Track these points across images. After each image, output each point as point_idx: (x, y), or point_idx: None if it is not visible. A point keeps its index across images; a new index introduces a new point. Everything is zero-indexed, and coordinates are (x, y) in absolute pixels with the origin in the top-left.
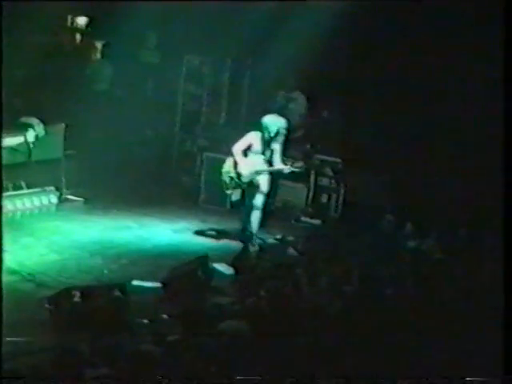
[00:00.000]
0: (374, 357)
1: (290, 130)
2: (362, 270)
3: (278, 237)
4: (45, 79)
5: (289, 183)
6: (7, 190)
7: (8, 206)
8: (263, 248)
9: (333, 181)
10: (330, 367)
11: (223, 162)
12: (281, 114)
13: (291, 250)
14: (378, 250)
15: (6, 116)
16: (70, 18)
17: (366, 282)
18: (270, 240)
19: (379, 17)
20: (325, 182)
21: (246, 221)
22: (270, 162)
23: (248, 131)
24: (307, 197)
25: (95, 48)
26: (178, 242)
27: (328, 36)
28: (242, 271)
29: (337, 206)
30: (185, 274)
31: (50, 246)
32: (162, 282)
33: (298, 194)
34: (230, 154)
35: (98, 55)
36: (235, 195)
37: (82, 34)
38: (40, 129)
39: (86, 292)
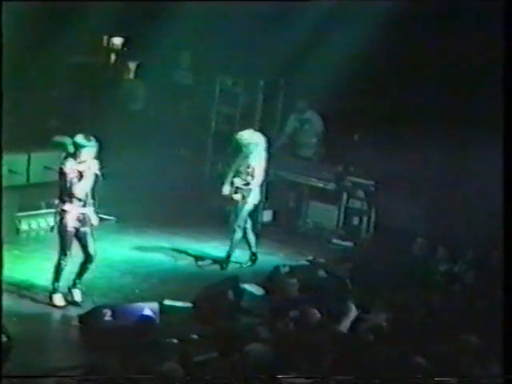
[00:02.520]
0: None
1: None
2: (393, 294)
3: (310, 258)
4: (79, 99)
5: (320, 204)
6: (41, 208)
7: (41, 223)
8: (293, 269)
9: (364, 203)
10: None
11: None
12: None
13: (322, 272)
14: (410, 273)
15: (41, 135)
16: (105, 37)
17: (396, 306)
18: (302, 261)
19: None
20: (356, 204)
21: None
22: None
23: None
24: (338, 218)
25: (129, 68)
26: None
27: (362, 58)
28: (272, 292)
29: (368, 229)
30: (215, 295)
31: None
32: (193, 302)
33: (329, 215)
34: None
35: (132, 75)
36: (266, 215)
37: (117, 54)
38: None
39: (117, 311)
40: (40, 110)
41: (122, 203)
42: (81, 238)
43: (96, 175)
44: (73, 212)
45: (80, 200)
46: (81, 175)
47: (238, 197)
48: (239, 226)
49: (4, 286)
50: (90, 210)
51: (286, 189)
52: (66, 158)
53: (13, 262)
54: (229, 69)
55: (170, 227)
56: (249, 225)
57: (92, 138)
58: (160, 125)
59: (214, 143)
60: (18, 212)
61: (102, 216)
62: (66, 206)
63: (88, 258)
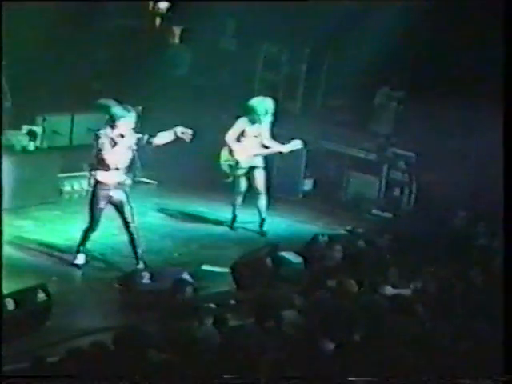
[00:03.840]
0: (424, 355)
1: (276, 110)
2: (430, 266)
3: (349, 228)
4: (124, 62)
5: (361, 175)
6: (83, 170)
7: (83, 185)
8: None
9: (406, 175)
10: (390, 367)
11: (298, 151)
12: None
13: (361, 243)
14: (449, 246)
15: (86, 97)
16: (151, 1)
17: (433, 278)
18: (341, 231)
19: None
20: (397, 175)
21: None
22: (264, 146)
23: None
24: (379, 189)
25: (174, 33)
26: (248, 228)
27: (410, 29)
28: (310, 261)
29: (409, 201)
30: (253, 261)
31: (122, 226)
32: (231, 268)
33: (369, 186)
34: (224, 143)
35: (177, 40)
36: (307, 184)
37: (162, 18)
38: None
39: (156, 274)
40: (85, 72)
41: (163, 167)
42: (117, 205)
43: (135, 145)
44: (107, 182)
45: (117, 169)
46: (115, 143)
47: (297, 142)
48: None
49: (44, 248)
50: (126, 179)
51: (326, 158)
52: (107, 122)
53: (54, 222)
54: (274, 36)
55: (210, 193)
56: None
57: (130, 108)
58: (202, 91)
59: None
60: (60, 173)
61: (143, 180)
62: (100, 176)
63: (127, 225)
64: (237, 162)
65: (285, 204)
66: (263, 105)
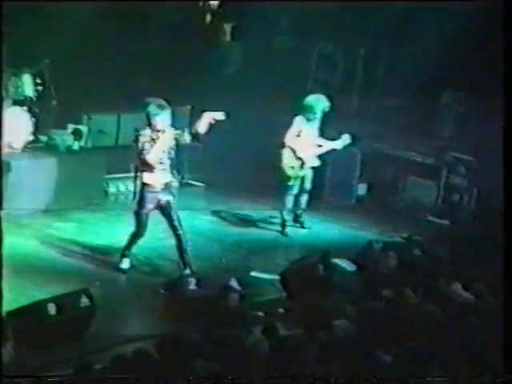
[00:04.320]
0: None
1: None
2: (489, 276)
3: (405, 235)
4: (173, 60)
5: (418, 180)
6: (129, 171)
7: (129, 186)
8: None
9: (465, 180)
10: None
11: (352, 154)
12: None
13: (417, 251)
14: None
15: (133, 96)
16: None
17: (491, 288)
18: (397, 238)
19: None
20: (457, 180)
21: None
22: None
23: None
24: (437, 195)
25: (225, 30)
26: (299, 234)
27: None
28: (364, 269)
29: (469, 207)
30: (304, 268)
31: (168, 230)
32: (281, 275)
33: (427, 191)
34: (282, 145)
35: (228, 37)
36: (361, 188)
37: (213, 15)
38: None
39: (203, 280)
40: (133, 70)
41: (211, 169)
42: (164, 208)
43: (175, 143)
44: (153, 184)
45: (162, 170)
46: (154, 143)
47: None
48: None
49: (87, 251)
50: (173, 180)
51: (381, 161)
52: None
53: (98, 225)
54: (328, 34)
55: (259, 196)
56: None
57: (166, 105)
58: (253, 90)
59: None
60: (106, 174)
61: (190, 182)
62: (146, 177)
63: (174, 228)
64: (301, 164)
65: (337, 209)
66: (320, 103)
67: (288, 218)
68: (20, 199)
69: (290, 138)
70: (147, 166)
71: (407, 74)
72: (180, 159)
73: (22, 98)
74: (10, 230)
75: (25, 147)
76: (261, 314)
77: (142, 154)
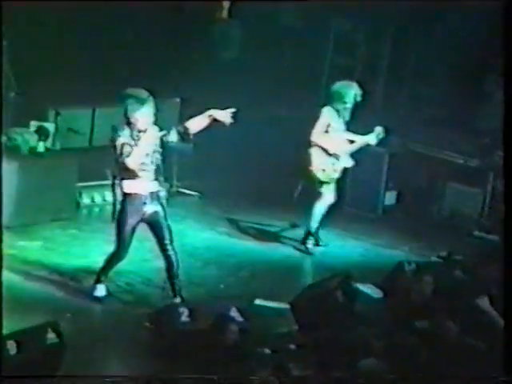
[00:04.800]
0: None
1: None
2: None
3: (443, 254)
4: (158, 43)
5: (459, 186)
6: (106, 177)
7: (106, 196)
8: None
9: None
10: None
11: (378, 154)
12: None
13: (459, 272)
14: None
15: (110, 87)
16: None
17: None
18: (433, 258)
19: None
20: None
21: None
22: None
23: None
24: (483, 205)
25: (222, 6)
26: (315, 253)
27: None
28: (393, 295)
29: None
30: (320, 295)
31: (156, 249)
32: (291, 303)
33: (471, 200)
34: (309, 145)
35: (225, 14)
36: (390, 197)
37: None
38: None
39: (196, 310)
40: (110, 56)
41: (207, 175)
42: (151, 223)
43: (160, 144)
44: (136, 193)
45: (146, 176)
46: (135, 143)
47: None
48: None
49: (56, 275)
50: (160, 188)
51: (414, 164)
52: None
53: (69, 243)
54: (346, 10)
55: (264, 207)
56: None
57: (148, 98)
58: (257, 78)
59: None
60: (78, 182)
61: (182, 190)
62: (127, 186)
63: (163, 247)
64: (333, 164)
65: (361, 223)
66: (352, 90)
67: (314, 231)
68: None
69: (317, 135)
70: (128, 173)
71: (442, 58)
72: (168, 163)
73: None
74: None
75: None
76: (268, 351)
77: (120, 158)
